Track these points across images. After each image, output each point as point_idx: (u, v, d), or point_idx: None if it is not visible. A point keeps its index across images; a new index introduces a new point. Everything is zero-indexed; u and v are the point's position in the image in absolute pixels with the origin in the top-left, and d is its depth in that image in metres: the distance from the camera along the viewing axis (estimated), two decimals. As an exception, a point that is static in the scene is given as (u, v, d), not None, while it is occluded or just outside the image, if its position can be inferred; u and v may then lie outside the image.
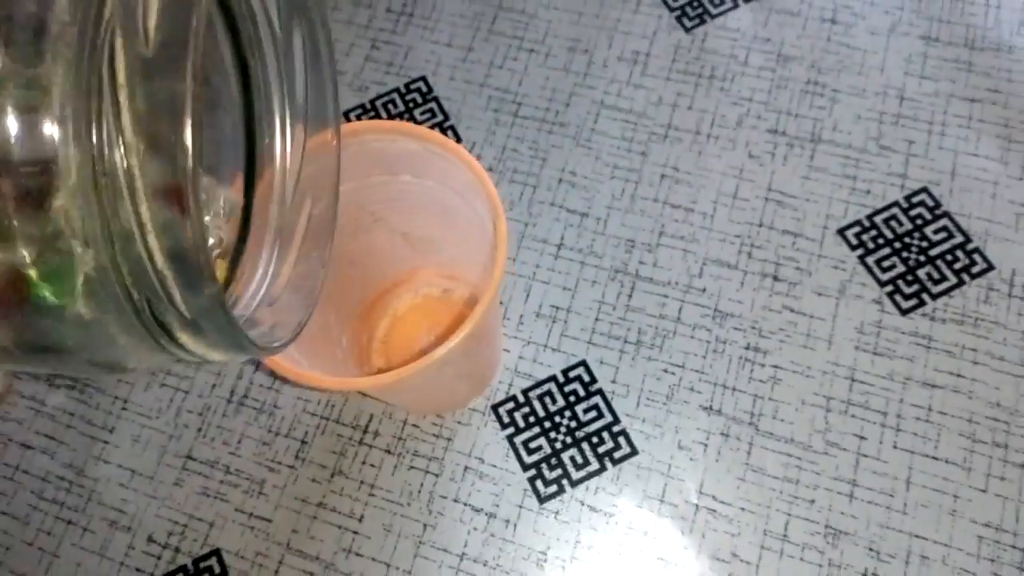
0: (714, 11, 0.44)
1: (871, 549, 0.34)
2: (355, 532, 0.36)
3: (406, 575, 0.35)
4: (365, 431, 0.38)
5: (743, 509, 0.35)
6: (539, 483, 0.36)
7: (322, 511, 0.36)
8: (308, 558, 0.35)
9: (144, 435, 0.38)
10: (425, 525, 0.36)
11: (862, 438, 0.35)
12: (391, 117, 0.44)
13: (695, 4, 0.45)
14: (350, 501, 0.36)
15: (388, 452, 0.37)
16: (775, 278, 0.38)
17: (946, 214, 0.39)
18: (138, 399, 0.39)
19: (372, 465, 0.37)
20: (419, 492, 0.36)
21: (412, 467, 0.37)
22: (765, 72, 0.43)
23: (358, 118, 0.44)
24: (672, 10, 0.45)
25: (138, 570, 0.36)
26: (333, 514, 0.36)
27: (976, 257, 0.38)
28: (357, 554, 0.35)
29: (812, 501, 0.35)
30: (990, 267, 0.38)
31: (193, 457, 0.38)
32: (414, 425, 0.37)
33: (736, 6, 0.44)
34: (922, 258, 0.38)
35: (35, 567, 0.36)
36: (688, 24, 0.44)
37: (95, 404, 0.39)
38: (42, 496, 0.38)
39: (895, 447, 0.35)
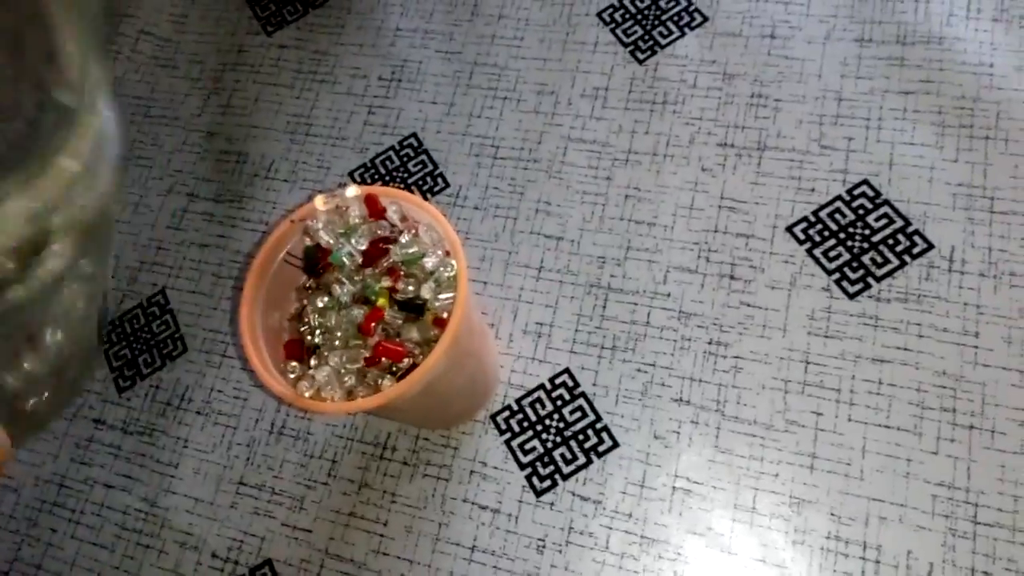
0: (663, 41, 0.49)
1: (833, 514, 0.37)
2: (381, 535, 0.41)
3: (427, 568, 0.40)
4: (384, 447, 0.43)
5: (715, 487, 0.39)
6: (535, 479, 0.41)
7: (353, 519, 0.42)
8: (344, 560, 0.41)
9: (203, 467, 0.45)
10: (440, 524, 0.41)
11: (819, 415, 0.39)
12: (388, 172, 0.50)
13: (646, 37, 0.49)
14: (375, 509, 0.42)
15: (405, 464, 0.43)
16: (731, 277, 0.42)
17: (886, 202, 0.42)
18: (196, 438, 0.46)
19: (392, 476, 0.43)
20: (433, 496, 0.42)
21: (426, 475, 0.42)
22: (713, 91, 0.47)
23: (361, 177, 0.51)
24: (626, 45, 0.50)
25: (206, 581, 0.43)
26: (362, 521, 0.42)
27: (916, 239, 0.41)
28: (384, 553, 0.41)
29: (776, 475, 0.38)
30: (930, 246, 0.41)
31: (244, 483, 0.44)
32: (425, 439, 0.43)
33: (683, 34, 0.49)
34: (865, 245, 0.41)
35: (124, 585, 0.43)
36: (641, 56, 0.49)
37: (162, 445, 0.46)
38: (124, 527, 0.45)
39: (850, 420, 0.38)
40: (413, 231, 0.34)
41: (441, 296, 0.32)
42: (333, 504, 0.43)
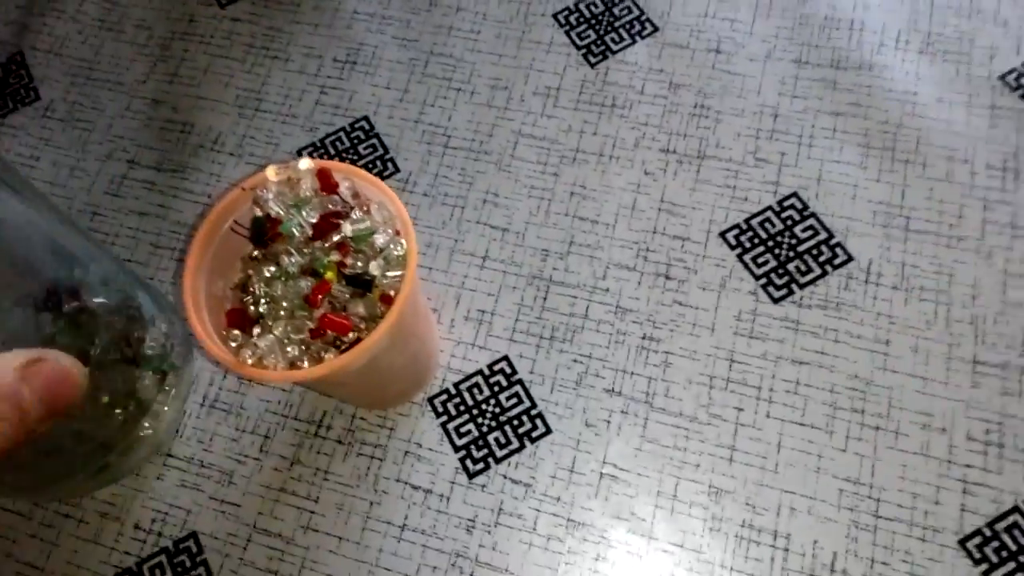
0: (615, 48, 0.51)
1: (748, 504, 0.39)
2: (312, 512, 0.42)
3: (356, 545, 0.41)
4: (319, 425, 0.44)
5: (640, 475, 0.40)
6: (468, 462, 0.42)
7: (283, 495, 0.42)
8: (272, 535, 0.41)
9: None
10: (371, 503, 0.42)
11: (740, 410, 0.41)
12: (338, 152, 0.50)
13: (599, 42, 0.51)
14: (307, 485, 0.42)
15: (339, 442, 0.43)
16: (667, 277, 0.44)
17: (813, 214, 0.45)
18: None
19: (325, 454, 0.43)
20: (366, 475, 0.42)
21: (360, 454, 0.43)
22: (659, 99, 0.49)
23: (310, 155, 0.51)
24: (579, 48, 0.51)
25: None
26: (293, 497, 0.42)
27: (838, 250, 0.44)
28: (314, 530, 0.41)
29: (698, 465, 0.40)
30: (850, 258, 0.44)
31: (172, 455, 0.44)
32: (361, 418, 0.43)
33: (634, 42, 0.51)
34: (791, 254, 0.44)
35: None
36: (593, 60, 0.51)
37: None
38: (44, 494, 0.43)
39: (768, 416, 0.41)
40: (365, 208, 0.34)
41: (389, 274, 0.33)
42: (263, 479, 0.43)
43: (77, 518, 0.43)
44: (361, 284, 0.33)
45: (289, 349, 0.32)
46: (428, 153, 0.50)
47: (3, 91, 0.56)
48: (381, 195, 0.34)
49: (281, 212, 0.33)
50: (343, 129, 0.51)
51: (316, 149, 0.51)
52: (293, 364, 0.32)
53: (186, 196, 0.51)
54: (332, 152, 0.50)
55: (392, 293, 0.33)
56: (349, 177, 0.34)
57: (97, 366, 0.38)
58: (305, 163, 0.34)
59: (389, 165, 0.50)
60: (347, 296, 0.33)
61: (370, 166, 0.50)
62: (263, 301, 0.33)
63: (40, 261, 0.35)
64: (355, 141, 0.51)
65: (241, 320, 0.34)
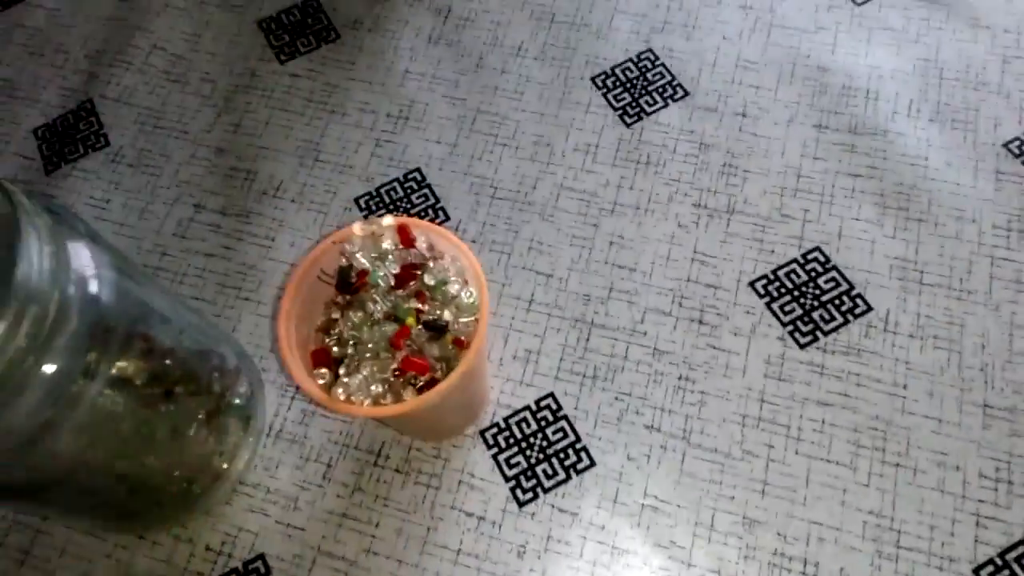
0: (649, 110, 0.55)
1: (779, 534, 0.43)
2: (373, 536, 0.45)
3: (415, 568, 0.44)
4: (378, 455, 0.47)
5: (679, 506, 0.44)
6: (518, 491, 0.45)
7: (346, 520, 0.45)
8: (335, 558, 0.44)
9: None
10: (428, 528, 0.45)
11: (771, 447, 0.45)
12: (392, 201, 0.54)
13: (634, 105, 0.55)
14: (368, 511, 0.45)
15: (397, 471, 0.46)
16: (700, 322, 0.48)
17: (834, 267, 0.49)
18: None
19: (385, 482, 0.46)
20: (423, 502, 0.45)
21: (417, 483, 0.46)
22: (690, 158, 0.53)
23: (366, 204, 0.55)
24: (616, 110, 0.56)
25: None
26: (355, 522, 0.45)
27: (858, 301, 0.48)
28: (375, 553, 0.44)
29: (732, 498, 0.44)
30: (869, 308, 0.47)
31: (242, 481, 0.47)
32: (418, 449, 0.47)
33: (667, 105, 0.55)
34: (815, 303, 0.48)
35: None
36: (628, 121, 0.55)
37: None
38: None
39: (796, 453, 0.44)
40: (440, 260, 0.38)
41: (461, 320, 0.36)
42: (326, 505, 0.46)
43: (151, 540, 0.46)
44: (437, 329, 0.36)
45: (373, 387, 0.36)
46: (476, 203, 0.54)
47: (74, 136, 0.60)
48: (455, 248, 0.38)
49: (366, 264, 0.37)
50: (397, 180, 0.55)
51: (372, 198, 0.55)
52: (376, 401, 0.36)
53: (250, 239, 0.54)
54: (387, 200, 0.55)
55: (463, 337, 0.36)
56: (426, 232, 0.38)
57: (178, 399, 0.42)
58: (388, 220, 0.38)
59: (440, 213, 0.54)
60: (424, 339, 0.36)
61: (422, 214, 0.54)
62: (350, 343, 0.36)
63: (123, 314, 0.37)
64: (408, 191, 0.55)
65: (326, 360, 0.37)
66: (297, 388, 0.36)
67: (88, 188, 0.58)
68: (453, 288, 0.37)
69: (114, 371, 0.36)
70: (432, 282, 0.37)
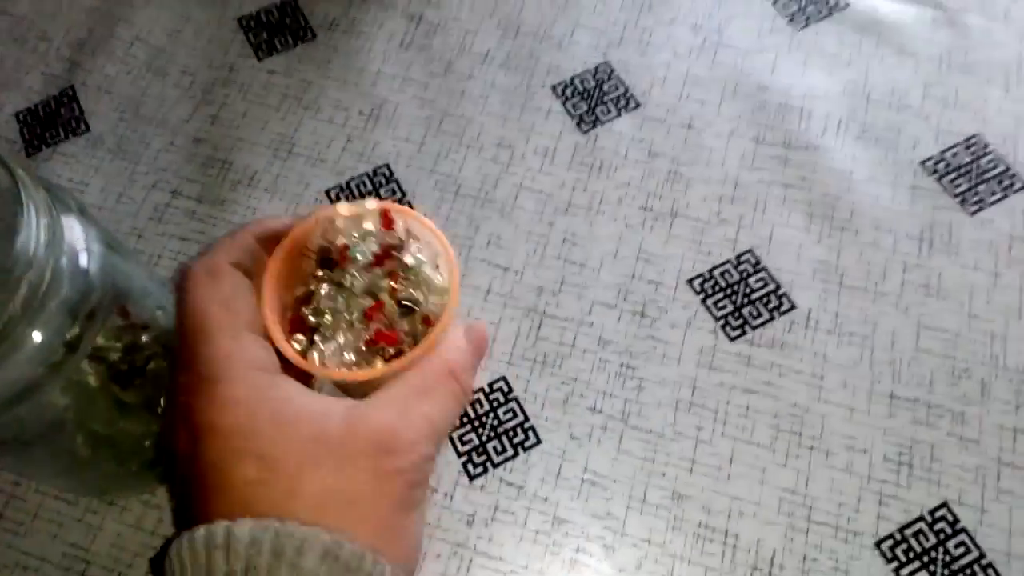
0: (603, 119, 0.59)
1: (704, 507, 0.47)
2: (332, 503, 0.48)
3: (370, 533, 0.47)
4: (340, 430, 0.50)
5: (615, 481, 0.48)
6: (469, 466, 0.49)
7: (307, 489, 0.49)
8: (297, 523, 0.48)
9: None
10: (384, 497, 0.48)
11: (700, 428, 0.49)
12: (362, 194, 0.58)
13: (590, 114, 0.60)
14: (328, 481, 0.49)
15: (357, 445, 0.50)
16: (642, 315, 0.53)
17: (764, 268, 0.53)
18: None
19: (345, 454, 0.49)
20: (380, 474, 0.49)
21: (375, 456, 0.49)
22: (639, 164, 0.58)
23: (336, 196, 0.58)
24: (572, 117, 0.60)
25: None
26: (316, 491, 0.49)
27: (784, 300, 0.52)
28: (334, 519, 0.48)
29: (663, 474, 0.48)
30: (794, 306, 0.52)
31: (208, 451, 0.50)
32: (377, 425, 0.50)
33: (620, 115, 0.60)
34: (746, 300, 0.52)
35: None
36: (584, 128, 0.59)
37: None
38: (92, 481, 0.49)
39: (723, 435, 0.49)
40: (417, 244, 0.41)
41: (431, 299, 0.40)
42: (290, 475, 0.49)
43: (120, 506, 0.49)
44: (409, 306, 0.40)
45: (346, 355, 0.39)
46: (441, 199, 0.57)
47: (56, 121, 0.63)
48: (430, 235, 0.41)
49: (349, 241, 0.41)
50: (366, 174, 0.59)
51: (342, 190, 0.58)
52: (348, 368, 0.39)
53: (224, 225, 0.57)
54: (356, 193, 0.58)
55: (431, 316, 0.40)
56: (404, 217, 0.42)
57: (151, 373, 0.45)
58: (372, 203, 0.41)
59: (406, 207, 0.57)
60: (395, 315, 0.40)
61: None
62: (326, 313, 0.40)
63: (108, 286, 0.40)
64: (377, 185, 0.58)
65: (301, 327, 0.41)
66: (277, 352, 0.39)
67: (68, 171, 0.60)
68: (426, 270, 0.41)
69: (96, 340, 0.39)
70: (411, 262, 0.40)
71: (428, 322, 0.40)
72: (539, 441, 0.49)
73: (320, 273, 0.41)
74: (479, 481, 0.48)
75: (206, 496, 0.34)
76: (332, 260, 0.41)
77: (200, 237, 0.57)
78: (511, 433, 0.50)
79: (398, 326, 0.40)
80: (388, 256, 0.40)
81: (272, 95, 0.63)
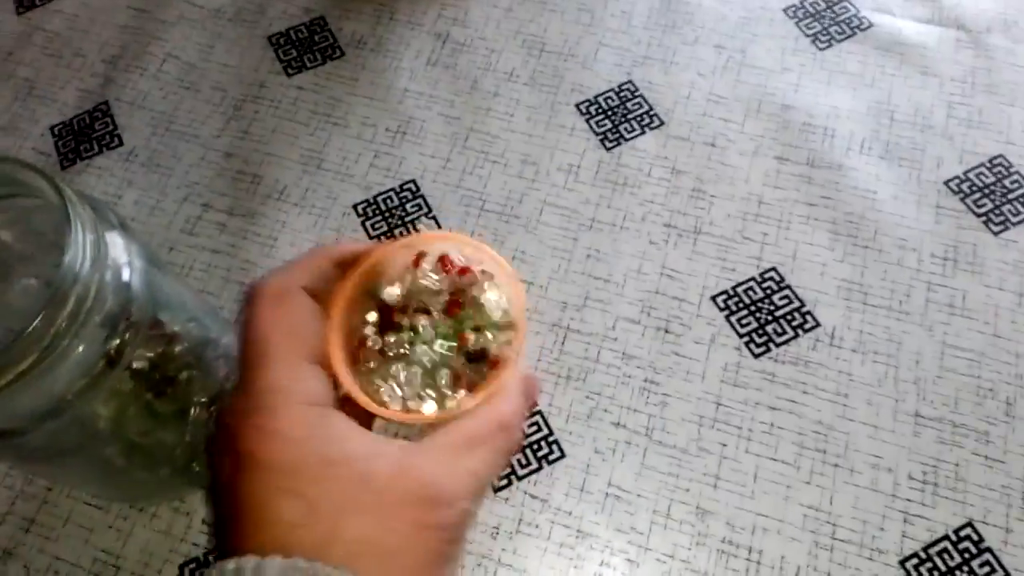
0: (627, 136, 0.60)
1: (728, 523, 0.47)
2: (358, 515, 0.49)
3: (396, 545, 0.48)
4: (366, 442, 0.51)
5: (639, 495, 0.48)
6: (495, 478, 0.49)
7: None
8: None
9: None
10: (410, 509, 0.49)
11: (724, 445, 0.49)
12: (388, 210, 0.59)
13: (614, 131, 0.61)
14: (355, 492, 0.49)
15: (383, 457, 0.50)
16: (666, 331, 0.53)
17: (788, 286, 0.54)
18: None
19: (371, 466, 0.50)
20: (406, 486, 0.49)
21: (401, 468, 0.50)
22: (663, 181, 0.58)
23: (364, 210, 0.59)
24: (597, 135, 0.61)
25: None
26: (342, 502, 0.49)
27: (808, 317, 0.53)
28: (360, 530, 0.48)
29: (688, 490, 0.48)
30: (818, 324, 0.52)
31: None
32: (403, 437, 0.51)
33: (644, 132, 0.60)
34: (770, 318, 0.53)
35: None
36: (608, 145, 0.60)
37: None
38: (124, 489, 0.50)
39: (747, 452, 0.49)
40: (479, 282, 0.36)
41: (499, 338, 0.37)
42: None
43: (151, 512, 0.50)
44: (478, 358, 0.37)
45: (408, 389, 0.36)
46: (466, 214, 0.58)
47: (90, 135, 0.64)
48: (489, 260, 0.36)
49: (417, 324, 0.36)
50: (393, 189, 0.60)
51: (369, 205, 0.59)
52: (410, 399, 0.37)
53: (254, 238, 0.58)
54: (383, 208, 0.59)
55: (496, 357, 0.36)
56: (458, 247, 0.36)
57: (183, 383, 0.45)
58: (436, 248, 0.36)
59: (433, 222, 0.58)
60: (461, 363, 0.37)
61: (416, 223, 0.58)
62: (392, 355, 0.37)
63: (148, 300, 0.40)
64: (403, 200, 0.59)
65: (370, 353, 0.38)
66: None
67: (102, 184, 0.62)
68: (496, 314, 0.37)
69: (136, 352, 0.40)
70: (481, 320, 0.35)
71: (493, 363, 0.37)
72: (563, 455, 0.50)
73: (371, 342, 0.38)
74: (504, 493, 0.49)
75: (243, 530, 0.34)
76: (392, 324, 0.37)
77: (231, 250, 0.58)
78: (535, 446, 0.50)
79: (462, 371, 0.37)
80: (457, 306, 0.37)
81: (301, 111, 0.64)
